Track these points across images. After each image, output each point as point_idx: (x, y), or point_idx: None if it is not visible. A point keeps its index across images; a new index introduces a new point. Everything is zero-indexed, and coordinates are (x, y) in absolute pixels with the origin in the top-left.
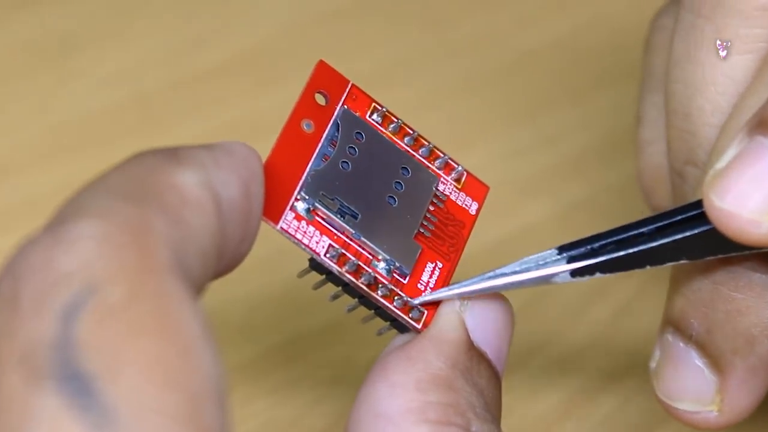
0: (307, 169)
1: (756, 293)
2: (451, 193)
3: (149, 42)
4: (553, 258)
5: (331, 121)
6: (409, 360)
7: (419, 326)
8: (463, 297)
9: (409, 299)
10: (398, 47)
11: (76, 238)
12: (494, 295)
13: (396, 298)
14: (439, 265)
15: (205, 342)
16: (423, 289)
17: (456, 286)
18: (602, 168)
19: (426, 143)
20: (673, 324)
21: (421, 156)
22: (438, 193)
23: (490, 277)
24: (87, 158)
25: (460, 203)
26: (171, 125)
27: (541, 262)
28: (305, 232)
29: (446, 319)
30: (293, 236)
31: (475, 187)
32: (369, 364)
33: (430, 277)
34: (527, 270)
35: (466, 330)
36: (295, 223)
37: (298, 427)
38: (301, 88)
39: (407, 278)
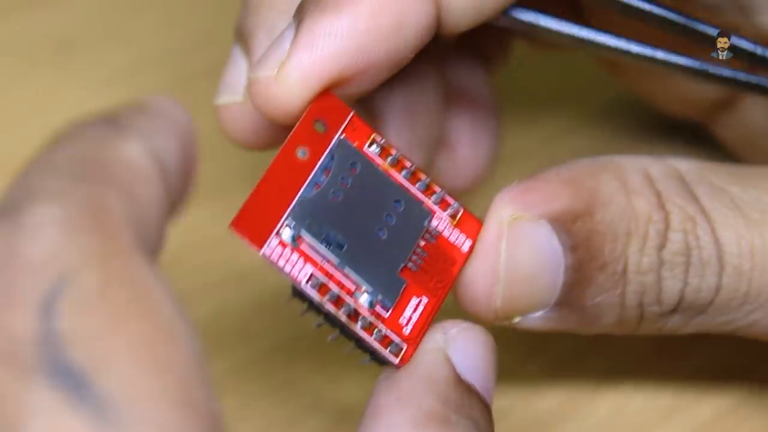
0: (297, 197)
1: None
2: (444, 229)
3: (149, 42)
4: None
5: (327, 150)
6: (400, 401)
7: (397, 360)
8: None
9: (393, 336)
10: None
11: (37, 225)
12: (475, 328)
13: (376, 330)
14: (424, 300)
15: (182, 320)
16: (405, 323)
17: None
18: None
19: (423, 177)
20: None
21: (417, 190)
22: (430, 229)
23: None
24: None
25: (452, 240)
26: None
27: None
28: (288, 259)
29: (432, 358)
30: (275, 263)
31: (470, 224)
32: (367, 366)
33: (414, 311)
34: None
35: (452, 366)
36: (279, 249)
37: (297, 428)
38: None
39: (389, 312)
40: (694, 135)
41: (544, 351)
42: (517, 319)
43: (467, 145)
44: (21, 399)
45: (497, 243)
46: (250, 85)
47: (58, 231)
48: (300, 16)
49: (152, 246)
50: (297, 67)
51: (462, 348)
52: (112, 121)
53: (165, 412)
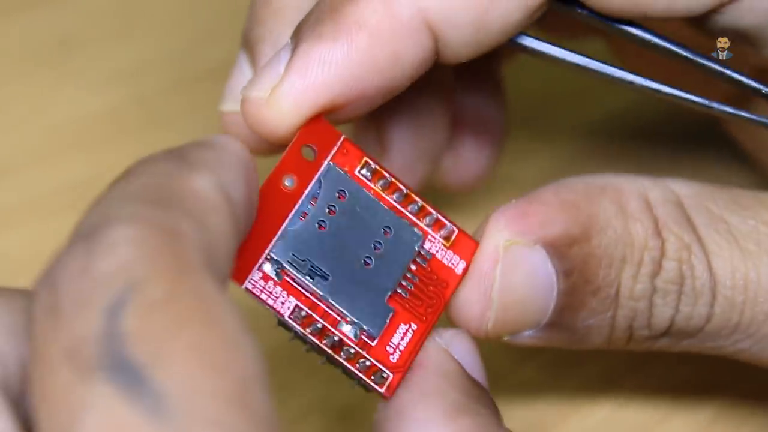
0: (282, 229)
1: None
2: (437, 251)
3: (149, 42)
4: None
5: (315, 178)
6: (425, 397)
7: (382, 390)
8: None
9: (379, 365)
10: None
11: (113, 243)
12: (463, 332)
13: (360, 360)
14: (413, 327)
15: (244, 332)
16: (392, 351)
17: None
18: (602, 168)
19: (416, 200)
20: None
21: (409, 213)
22: (423, 252)
23: None
24: (87, 158)
25: (446, 262)
26: (171, 125)
27: None
28: (271, 293)
29: (441, 356)
30: (258, 297)
31: (465, 245)
32: None
33: (402, 339)
34: None
35: (459, 362)
36: (262, 283)
37: (296, 428)
38: None
39: (375, 341)
40: (687, 143)
41: (541, 354)
42: (507, 338)
43: (471, 145)
44: (80, 393)
45: (492, 268)
46: (243, 104)
47: (130, 248)
48: (297, 39)
49: (221, 274)
50: (289, 92)
51: (459, 349)
52: (180, 156)
53: (217, 409)
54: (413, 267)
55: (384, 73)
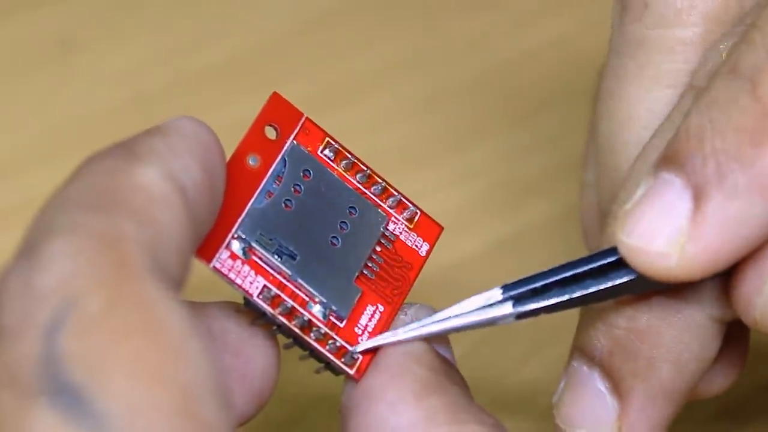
0: (248, 207)
1: (657, 314)
2: (401, 233)
3: (149, 42)
4: (497, 299)
5: (279, 157)
6: (394, 377)
7: (352, 371)
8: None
9: (348, 346)
10: (398, 47)
11: (51, 258)
12: (427, 306)
13: (330, 341)
14: (380, 308)
15: (191, 336)
16: (360, 333)
17: (398, 331)
18: None
19: (379, 181)
20: (579, 349)
21: (372, 194)
22: (387, 233)
23: (434, 322)
24: None
25: (410, 244)
26: None
27: (484, 304)
28: (239, 272)
29: (407, 335)
30: (226, 276)
31: (428, 228)
32: None
33: (369, 320)
34: (471, 313)
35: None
36: (230, 262)
37: (297, 427)
38: (301, 89)
39: (344, 322)
40: None
41: (545, 350)
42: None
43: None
44: (22, 420)
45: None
46: (628, 250)
47: (68, 261)
48: (694, 185)
49: (174, 268)
50: (704, 253)
51: None
52: (126, 148)
53: (159, 422)
54: (378, 248)
55: None
